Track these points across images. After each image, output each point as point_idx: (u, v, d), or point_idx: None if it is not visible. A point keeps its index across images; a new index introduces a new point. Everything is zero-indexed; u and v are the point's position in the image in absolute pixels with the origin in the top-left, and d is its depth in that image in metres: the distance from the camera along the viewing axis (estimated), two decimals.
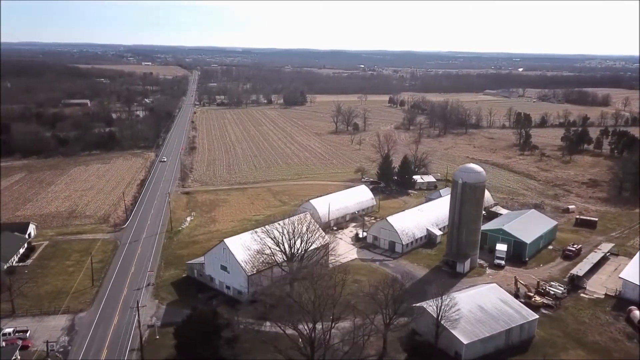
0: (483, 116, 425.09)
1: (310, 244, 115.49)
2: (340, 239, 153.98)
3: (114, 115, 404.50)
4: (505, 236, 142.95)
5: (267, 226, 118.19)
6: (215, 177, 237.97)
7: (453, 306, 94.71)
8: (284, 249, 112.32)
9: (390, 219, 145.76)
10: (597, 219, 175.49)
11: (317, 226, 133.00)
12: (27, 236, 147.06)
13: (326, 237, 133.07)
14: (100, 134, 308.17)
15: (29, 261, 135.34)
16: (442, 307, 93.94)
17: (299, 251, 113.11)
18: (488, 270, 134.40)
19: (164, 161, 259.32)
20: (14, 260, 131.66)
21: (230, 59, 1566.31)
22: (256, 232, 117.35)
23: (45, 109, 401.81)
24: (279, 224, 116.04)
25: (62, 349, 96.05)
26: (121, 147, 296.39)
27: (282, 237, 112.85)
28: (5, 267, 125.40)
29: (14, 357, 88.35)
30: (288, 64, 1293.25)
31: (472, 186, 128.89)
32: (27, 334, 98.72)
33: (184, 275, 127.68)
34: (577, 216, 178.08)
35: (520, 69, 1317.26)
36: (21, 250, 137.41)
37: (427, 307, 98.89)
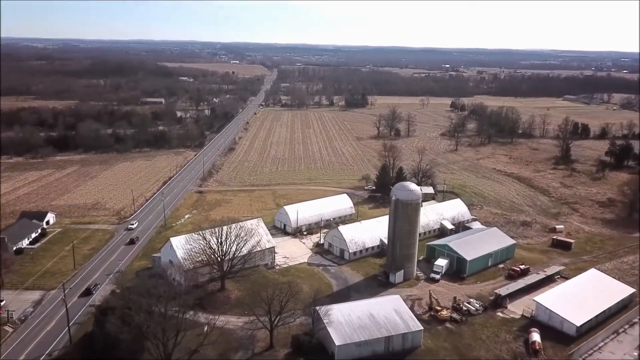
0: (537, 125, 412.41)
1: (242, 246, 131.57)
2: (304, 243, 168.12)
3: (179, 114, 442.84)
4: (449, 252, 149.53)
5: (209, 229, 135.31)
6: (235, 178, 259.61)
7: (327, 311, 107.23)
8: (215, 250, 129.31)
9: (341, 228, 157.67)
10: (572, 241, 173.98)
11: (265, 231, 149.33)
12: (44, 223, 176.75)
13: (272, 241, 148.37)
14: (152, 132, 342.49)
15: (37, 245, 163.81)
16: (316, 312, 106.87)
17: (230, 253, 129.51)
18: (421, 283, 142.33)
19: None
20: (24, 242, 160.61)
21: (317, 57, 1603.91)
22: (198, 233, 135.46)
23: (120, 107, 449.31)
24: (217, 229, 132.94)
25: (23, 317, 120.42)
26: (169, 146, 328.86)
27: (217, 239, 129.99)
28: (15, 248, 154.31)
29: None
30: (373, 62, 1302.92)
31: (404, 203, 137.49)
32: (2, 303, 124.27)
33: (149, 266, 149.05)
34: (554, 237, 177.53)
35: (625, 71, 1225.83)
36: (33, 235, 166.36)
37: (319, 310, 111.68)
